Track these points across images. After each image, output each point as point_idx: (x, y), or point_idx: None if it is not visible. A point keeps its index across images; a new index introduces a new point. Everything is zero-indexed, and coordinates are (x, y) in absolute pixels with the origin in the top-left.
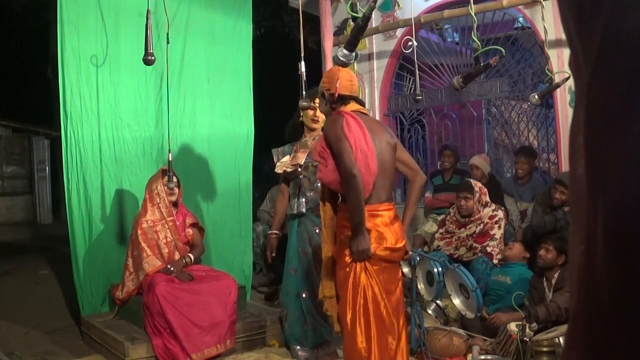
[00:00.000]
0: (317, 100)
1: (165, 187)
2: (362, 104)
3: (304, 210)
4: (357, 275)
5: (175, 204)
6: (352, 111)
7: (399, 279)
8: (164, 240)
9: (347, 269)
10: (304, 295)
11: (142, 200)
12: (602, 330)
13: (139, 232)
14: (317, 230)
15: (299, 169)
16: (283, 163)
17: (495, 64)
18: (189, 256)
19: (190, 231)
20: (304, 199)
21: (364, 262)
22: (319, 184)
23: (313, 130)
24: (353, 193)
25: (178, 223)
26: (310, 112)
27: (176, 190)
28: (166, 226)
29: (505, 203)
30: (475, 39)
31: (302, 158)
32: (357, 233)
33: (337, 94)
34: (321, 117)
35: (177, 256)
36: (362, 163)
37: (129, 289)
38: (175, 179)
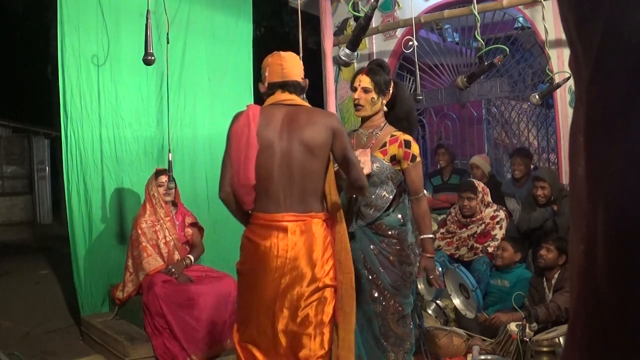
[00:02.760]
0: (367, 80)
1: (160, 187)
2: (295, 91)
3: (354, 229)
4: None
5: (174, 204)
6: (271, 104)
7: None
8: (164, 240)
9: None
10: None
11: (143, 200)
12: (602, 331)
13: (139, 232)
14: (374, 250)
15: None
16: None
17: (499, 63)
18: (189, 257)
19: (189, 230)
20: (357, 215)
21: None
22: (382, 199)
23: (362, 118)
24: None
25: (177, 223)
26: (353, 95)
27: (172, 190)
28: (164, 226)
29: (507, 203)
30: (479, 38)
31: (368, 164)
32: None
33: (266, 84)
34: (365, 100)
35: (177, 256)
36: (234, 170)
37: (129, 289)
38: (169, 179)
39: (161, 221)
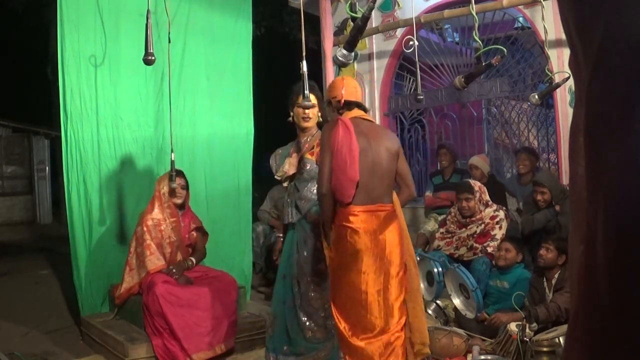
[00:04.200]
0: (312, 97)
1: (170, 188)
2: (365, 110)
3: (294, 220)
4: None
5: (182, 206)
6: (352, 117)
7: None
8: (167, 240)
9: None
10: (287, 304)
11: (151, 197)
12: (602, 330)
13: (144, 229)
14: (305, 240)
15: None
16: (282, 170)
17: (497, 64)
18: (191, 260)
19: (194, 234)
20: (294, 208)
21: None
22: (307, 192)
23: (304, 130)
24: (321, 208)
25: (183, 225)
26: (300, 111)
27: (183, 192)
28: (170, 227)
29: (508, 203)
30: (477, 39)
31: (292, 167)
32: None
33: (342, 101)
34: (313, 114)
35: (178, 257)
36: (339, 169)
37: (127, 284)
38: (183, 182)
39: (167, 221)
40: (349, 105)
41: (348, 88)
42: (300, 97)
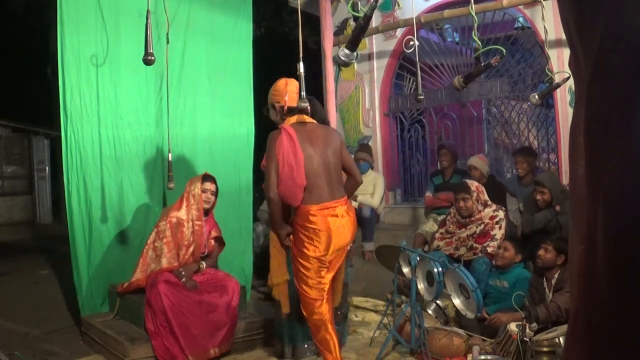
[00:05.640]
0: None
1: (203, 193)
2: (306, 112)
3: None
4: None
5: (206, 212)
6: (294, 123)
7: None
8: (186, 243)
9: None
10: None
11: (180, 195)
12: (602, 330)
13: (167, 225)
14: None
15: None
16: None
17: (496, 64)
18: (202, 264)
19: (212, 242)
20: None
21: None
22: None
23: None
24: (270, 208)
25: (205, 230)
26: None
27: (212, 198)
28: (190, 230)
29: (508, 203)
30: (476, 39)
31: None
32: (278, 232)
33: (286, 107)
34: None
35: (191, 261)
36: (288, 177)
37: (137, 277)
38: (214, 187)
39: (190, 223)
40: (291, 110)
41: (291, 94)
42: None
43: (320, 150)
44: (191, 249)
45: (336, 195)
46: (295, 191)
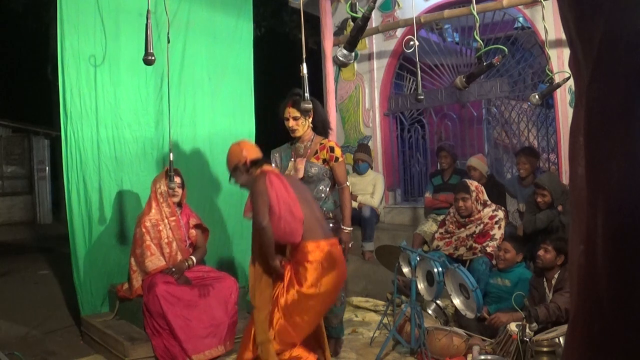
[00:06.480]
0: (293, 111)
1: (168, 188)
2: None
3: None
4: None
5: (179, 205)
6: (269, 170)
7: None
8: (166, 240)
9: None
10: None
11: (148, 198)
12: (602, 330)
13: (143, 230)
14: None
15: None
16: (288, 171)
17: (497, 63)
18: (192, 259)
19: (193, 232)
20: None
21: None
22: (321, 192)
23: (296, 137)
24: (264, 241)
25: (182, 223)
26: (286, 123)
27: (179, 191)
28: (168, 226)
29: (507, 204)
30: (477, 38)
31: (301, 170)
32: (273, 264)
33: (249, 160)
34: (297, 125)
35: (179, 257)
36: (287, 212)
37: (134, 287)
38: (179, 180)
39: (166, 220)
40: (256, 162)
41: (247, 148)
42: (286, 109)
43: (301, 190)
44: (174, 245)
45: (328, 233)
46: (296, 226)
